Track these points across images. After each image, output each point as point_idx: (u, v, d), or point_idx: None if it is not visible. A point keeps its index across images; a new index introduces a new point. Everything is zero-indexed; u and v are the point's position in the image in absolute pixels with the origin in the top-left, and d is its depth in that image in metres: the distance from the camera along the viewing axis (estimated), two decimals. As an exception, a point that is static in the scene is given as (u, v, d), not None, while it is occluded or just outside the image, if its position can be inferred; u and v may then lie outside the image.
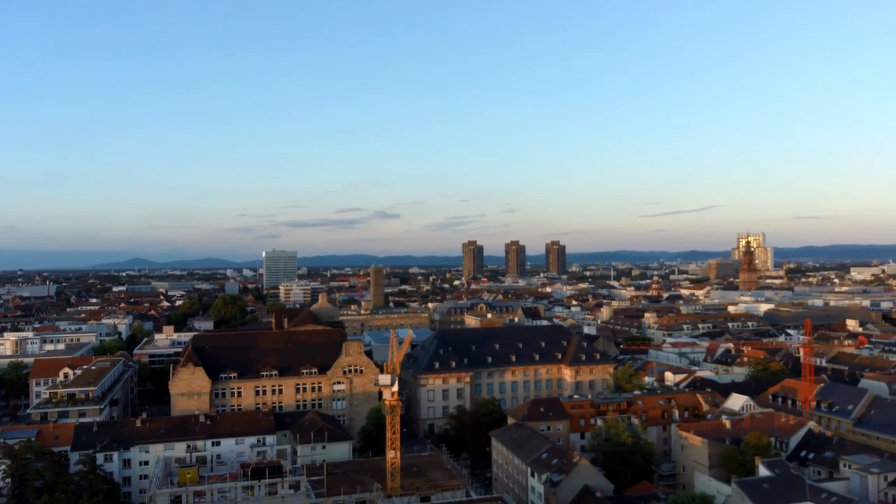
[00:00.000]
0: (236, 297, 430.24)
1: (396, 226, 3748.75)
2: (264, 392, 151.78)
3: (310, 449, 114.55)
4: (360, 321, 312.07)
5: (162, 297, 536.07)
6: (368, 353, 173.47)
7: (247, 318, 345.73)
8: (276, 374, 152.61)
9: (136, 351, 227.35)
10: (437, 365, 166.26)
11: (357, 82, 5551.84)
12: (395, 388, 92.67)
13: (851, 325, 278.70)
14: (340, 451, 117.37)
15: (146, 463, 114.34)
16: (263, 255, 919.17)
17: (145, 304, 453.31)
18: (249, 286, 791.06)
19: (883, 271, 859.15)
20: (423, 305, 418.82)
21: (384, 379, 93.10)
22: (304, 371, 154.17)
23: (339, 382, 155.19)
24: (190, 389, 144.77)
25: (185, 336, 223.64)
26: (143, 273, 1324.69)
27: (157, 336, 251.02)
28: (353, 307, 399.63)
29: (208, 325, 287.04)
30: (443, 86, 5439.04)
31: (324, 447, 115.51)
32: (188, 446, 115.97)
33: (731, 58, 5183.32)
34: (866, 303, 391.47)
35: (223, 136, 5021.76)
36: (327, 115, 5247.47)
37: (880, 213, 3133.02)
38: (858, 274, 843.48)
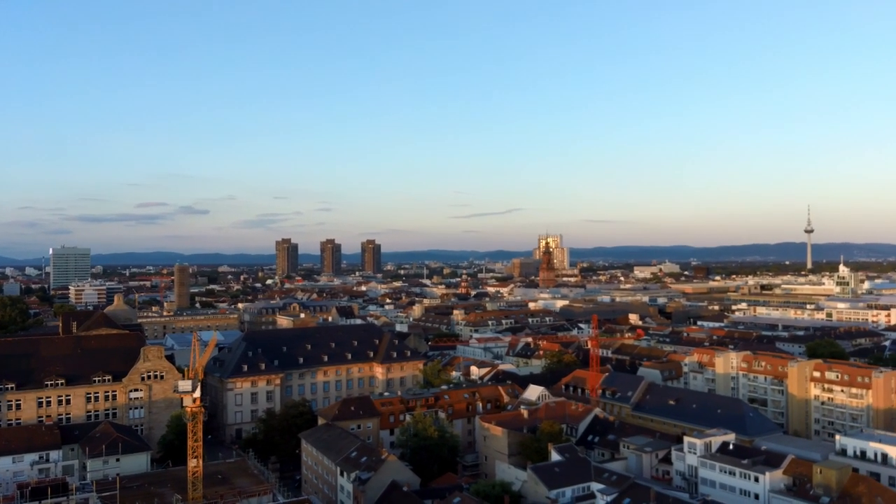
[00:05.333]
0: (17, 298, 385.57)
1: (205, 222, 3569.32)
2: (48, 403, 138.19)
3: (102, 463, 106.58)
4: (163, 324, 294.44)
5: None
6: (171, 358, 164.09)
7: (29, 322, 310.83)
8: (62, 384, 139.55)
9: None
10: (245, 367, 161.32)
11: (158, 65, 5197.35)
12: (198, 393, 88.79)
13: (633, 318, 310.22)
14: (137, 462, 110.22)
15: None
16: (51, 252, 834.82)
17: None
18: (34, 286, 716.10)
19: (660, 270, 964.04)
20: (233, 306, 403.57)
21: (184, 385, 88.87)
22: (96, 379, 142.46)
23: (136, 390, 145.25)
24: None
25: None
26: None
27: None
28: (154, 309, 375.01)
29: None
30: (255, 77, 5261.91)
31: (118, 460, 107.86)
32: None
33: (530, 72, 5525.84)
34: (646, 299, 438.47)
35: None
36: (125, 100, 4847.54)
37: (659, 219, 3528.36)
38: (640, 273, 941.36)
